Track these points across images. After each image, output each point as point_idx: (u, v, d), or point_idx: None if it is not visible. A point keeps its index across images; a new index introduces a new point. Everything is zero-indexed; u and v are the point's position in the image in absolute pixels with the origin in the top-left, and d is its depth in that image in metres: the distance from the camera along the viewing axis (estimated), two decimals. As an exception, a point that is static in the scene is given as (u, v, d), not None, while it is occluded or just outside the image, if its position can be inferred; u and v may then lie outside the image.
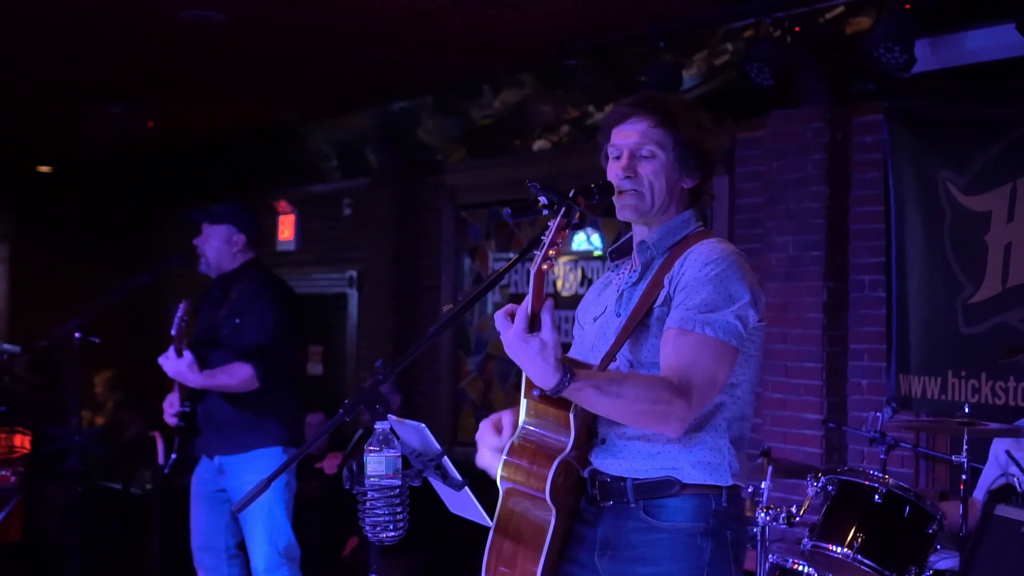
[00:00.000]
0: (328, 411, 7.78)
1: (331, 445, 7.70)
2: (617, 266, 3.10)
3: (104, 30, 6.84)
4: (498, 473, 2.89)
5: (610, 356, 2.88)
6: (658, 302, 2.85)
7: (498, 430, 2.99)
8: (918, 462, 5.91)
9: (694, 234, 2.97)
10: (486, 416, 7.55)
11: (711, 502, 2.83)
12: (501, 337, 2.66)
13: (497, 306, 8.30)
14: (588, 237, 7.74)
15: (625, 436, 2.87)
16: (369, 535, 2.99)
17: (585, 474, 2.96)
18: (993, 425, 4.56)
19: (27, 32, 6.94)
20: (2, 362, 6.77)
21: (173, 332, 5.10)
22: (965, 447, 4.43)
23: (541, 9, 6.30)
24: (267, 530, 5.14)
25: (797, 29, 5.95)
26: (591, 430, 2.95)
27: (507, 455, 2.88)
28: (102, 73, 8.00)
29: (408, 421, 3.17)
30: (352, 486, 2.98)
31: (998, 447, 4.88)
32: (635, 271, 3.00)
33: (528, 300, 2.63)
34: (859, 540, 4.26)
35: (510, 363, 8.09)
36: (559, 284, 7.87)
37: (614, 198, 2.95)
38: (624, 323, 2.89)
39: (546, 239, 2.65)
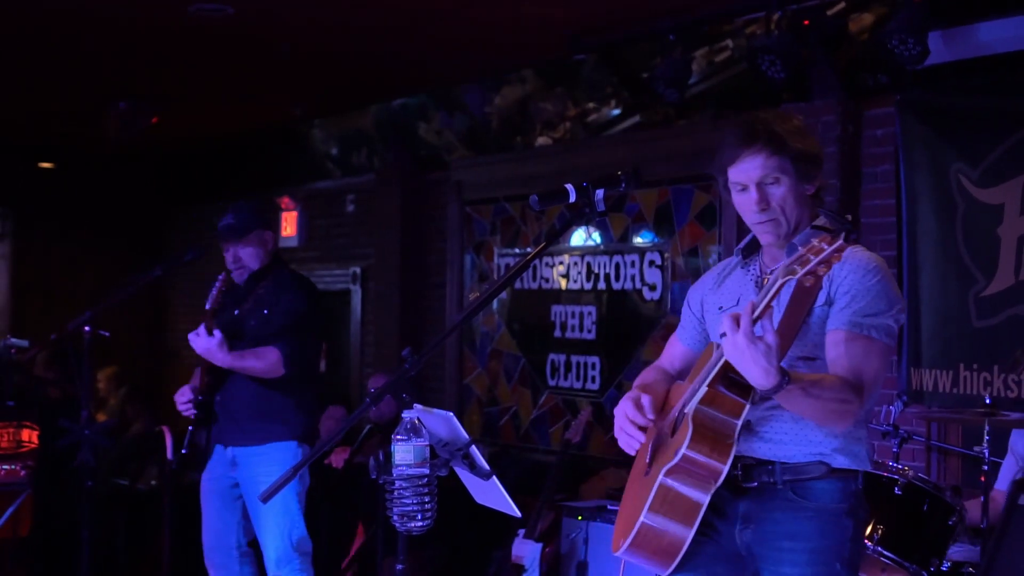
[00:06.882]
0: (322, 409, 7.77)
1: (339, 440, 7.68)
2: (747, 264, 3.25)
3: (109, 24, 6.81)
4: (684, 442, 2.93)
5: (782, 351, 2.93)
6: (819, 302, 3.02)
7: (640, 408, 3.12)
8: (930, 455, 5.89)
9: None
10: (492, 412, 7.57)
11: (851, 484, 3.07)
12: (726, 339, 2.77)
13: (502, 303, 8.38)
14: (590, 234, 7.72)
15: (772, 419, 3.05)
16: (397, 525, 2.98)
17: None
18: (1014, 415, 4.55)
19: (30, 27, 6.91)
20: (10, 356, 6.74)
21: (208, 306, 5.13)
22: (987, 438, 4.42)
23: (552, 5, 6.28)
24: (281, 523, 5.13)
25: (807, 23, 5.94)
26: None
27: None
28: (106, 69, 7.97)
29: (435, 410, 3.16)
30: (379, 476, 2.98)
31: (1016, 440, 4.88)
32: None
33: (761, 306, 2.75)
34: (879, 532, 4.26)
35: (515, 359, 8.20)
36: (564, 283, 7.85)
37: (753, 226, 3.15)
38: (784, 319, 2.99)
39: (816, 258, 2.67)
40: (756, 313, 2.75)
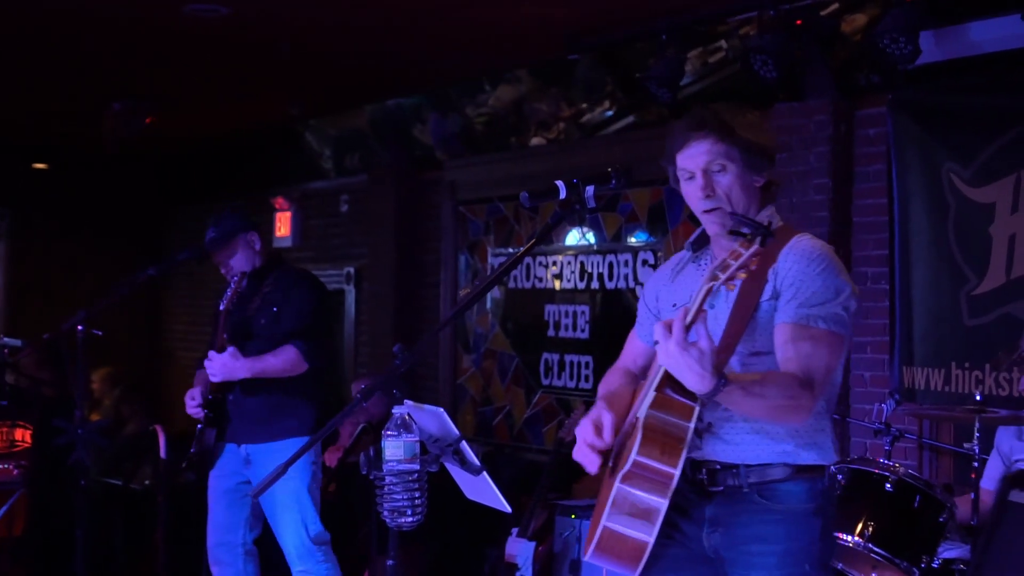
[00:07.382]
0: (326, 407, 7.76)
1: (331, 439, 7.68)
2: (698, 257, 3.24)
3: (107, 24, 6.82)
4: (634, 449, 2.90)
5: (730, 349, 2.96)
6: (765, 296, 3.00)
7: (599, 430, 3.06)
8: (922, 453, 5.92)
9: (780, 228, 3.10)
10: (486, 411, 7.52)
11: (818, 483, 3.04)
12: (659, 347, 2.76)
13: (496, 302, 8.40)
14: (584, 234, 7.73)
15: (731, 420, 3.02)
16: (387, 520, 3.00)
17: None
18: (1004, 412, 4.57)
19: (26, 28, 6.92)
20: (3, 356, 6.75)
21: (221, 307, 5.16)
22: (976, 435, 4.44)
23: (551, 5, 6.30)
24: (296, 518, 5.17)
25: (799, 23, 5.96)
26: None
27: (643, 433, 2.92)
28: (105, 69, 7.98)
29: (426, 406, 3.18)
30: (370, 471, 3.00)
31: (1002, 438, 4.90)
32: None
33: (692, 312, 2.74)
34: (870, 529, 4.28)
35: (509, 358, 8.22)
36: (557, 283, 7.87)
37: (700, 215, 3.11)
38: (732, 316, 2.98)
39: (736, 263, 2.70)
40: (688, 319, 2.73)
